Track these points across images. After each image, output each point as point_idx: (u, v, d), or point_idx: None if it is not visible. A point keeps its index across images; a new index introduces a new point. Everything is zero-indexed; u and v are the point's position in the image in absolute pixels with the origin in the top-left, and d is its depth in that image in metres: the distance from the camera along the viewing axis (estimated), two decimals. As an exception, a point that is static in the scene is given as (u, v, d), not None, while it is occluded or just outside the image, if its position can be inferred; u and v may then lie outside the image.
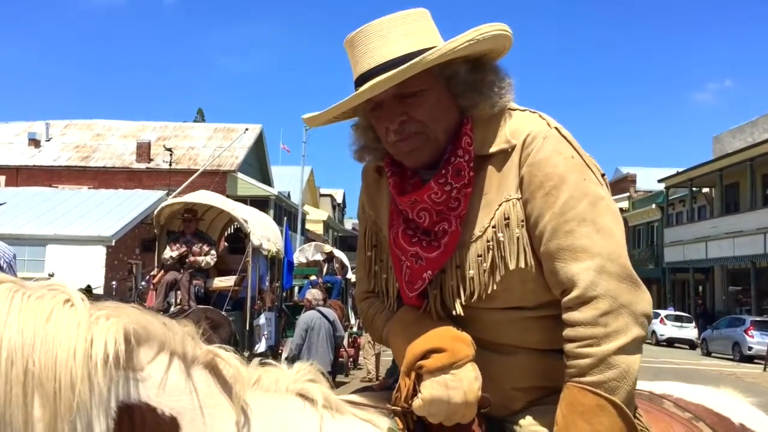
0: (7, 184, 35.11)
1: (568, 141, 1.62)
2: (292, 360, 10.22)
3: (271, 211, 33.22)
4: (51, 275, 7.92)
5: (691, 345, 32.19)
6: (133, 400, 1.26)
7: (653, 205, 44.86)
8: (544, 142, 1.60)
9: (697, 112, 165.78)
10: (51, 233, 22.67)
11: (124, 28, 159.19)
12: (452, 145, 1.65)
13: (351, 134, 1.83)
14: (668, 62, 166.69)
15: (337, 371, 12.21)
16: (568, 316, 1.54)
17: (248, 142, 40.04)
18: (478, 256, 1.62)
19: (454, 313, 1.64)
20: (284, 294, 14.42)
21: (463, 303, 1.63)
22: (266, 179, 43.92)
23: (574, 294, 1.52)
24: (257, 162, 44.12)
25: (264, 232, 11.35)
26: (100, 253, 23.27)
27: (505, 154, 1.63)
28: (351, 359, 16.61)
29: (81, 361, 1.18)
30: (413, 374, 1.58)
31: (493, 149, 1.64)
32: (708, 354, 28.77)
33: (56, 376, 1.16)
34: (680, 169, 40.25)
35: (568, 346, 1.53)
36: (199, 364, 1.40)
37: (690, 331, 32.75)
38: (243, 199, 18.26)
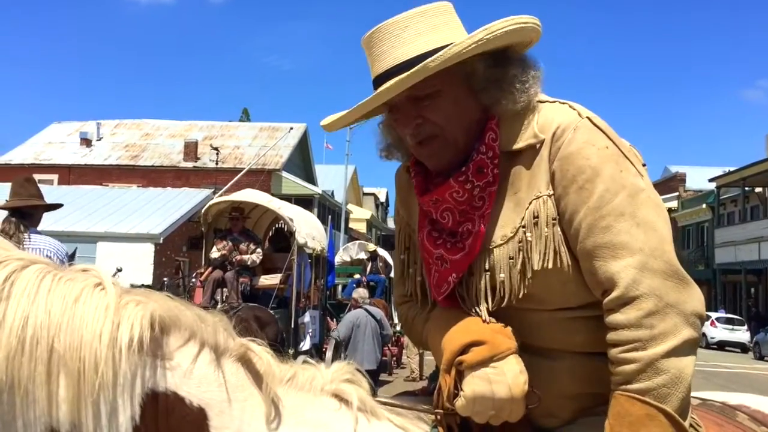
0: (60, 182, 36.03)
1: (601, 130, 1.52)
2: (336, 349, 10.25)
3: (315, 210, 33.43)
4: (119, 270, 8.11)
5: (743, 348, 31.38)
6: (161, 388, 1.25)
7: (703, 205, 43.79)
8: (575, 134, 1.50)
9: (749, 110, 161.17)
10: (102, 230, 23.21)
11: (172, 28, 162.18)
12: (478, 141, 1.58)
13: (378, 132, 1.78)
14: (718, 58, 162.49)
15: (381, 370, 12.20)
16: (610, 318, 1.44)
17: (293, 141, 40.32)
18: (510, 258, 1.53)
19: (483, 316, 1.55)
20: (328, 292, 14.47)
21: (491, 309, 1.55)
22: (310, 178, 44.20)
23: (614, 294, 1.42)
24: (301, 161, 44.43)
25: (309, 230, 11.41)
26: (148, 250, 23.72)
27: (534, 150, 1.54)
28: (395, 358, 16.60)
29: (106, 344, 1.19)
30: (453, 371, 1.50)
31: (520, 145, 1.55)
32: (761, 358, 27.98)
33: (81, 356, 1.18)
34: (732, 168, 39.21)
35: (612, 351, 1.43)
36: (230, 356, 1.37)
37: (742, 335, 31.95)
38: (287, 198, 18.37)
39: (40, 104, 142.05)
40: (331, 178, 47.93)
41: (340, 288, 18.89)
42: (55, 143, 42.49)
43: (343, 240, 29.50)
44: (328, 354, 11.66)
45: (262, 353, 1.42)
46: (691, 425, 1.44)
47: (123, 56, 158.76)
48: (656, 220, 1.47)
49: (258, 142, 41.23)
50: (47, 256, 5.37)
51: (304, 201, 29.93)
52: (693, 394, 1.97)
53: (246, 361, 1.39)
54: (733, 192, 40.21)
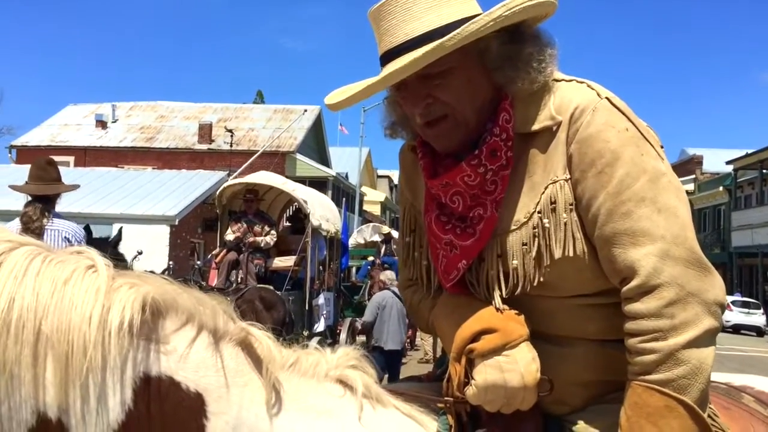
0: (76, 164, 36.19)
1: (621, 111, 1.45)
2: (360, 337, 10.28)
3: (329, 192, 33.39)
4: (140, 253, 8.15)
5: (758, 332, 31.15)
6: (155, 372, 1.22)
7: (720, 188, 43.36)
8: (593, 115, 1.43)
9: (766, 92, 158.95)
10: (117, 212, 23.28)
11: (187, 9, 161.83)
12: (491, 122, 1.51)
13: (382, 109, 1.69)
14: (736, 39, 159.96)
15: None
16: (629, 307, 1.39)
17: (307, 123, 40.21)
18: (523, 244, 1.48)
19: (497, 304, 1.50)
20: (342, 274, 14.51)
21: (504, 296, 1.50)
22: (324, 160, 44.12)
23: (634, 283, 1.38)
24: (315, 143, 44.32)
25: (323, 212, 11.41)
26: (164, 232, 23.79)
27: (550, 132, 1.48)
28: (409, 340, 16.65)
29: (95, 327, 1.16)
30: (464, 359, 1.46)
31: (536, 126, 1.49)
32: (776, 341, 27.81)
33: (69, 339, 1.15)
34: (750, 151, 38.74)
35: (631, 341, 1.39)
36: (230, 340, 1.34)
37: (758, 318, 31.72)
38: (301, 180, 18.36)
39: (56, 86, 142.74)
40: (345, 160, 47.85)
41: (354, 270, 18.92)
42: (71, 125, 42.65)
43: (357, 222, 29.50)
44: (343, 336, 11.72)
45: (262, 338, 1.38)
46: (709, 415, 1.41)
47: (138, 38, 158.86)
48: (678, 205, 1.42)
49: (272, 124, 41.16)
50: (65, 238, 5.43)
51: (318, 183, 29.91)
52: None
53: (246, 346, 1.36)
54: (751, 175, 39.77)
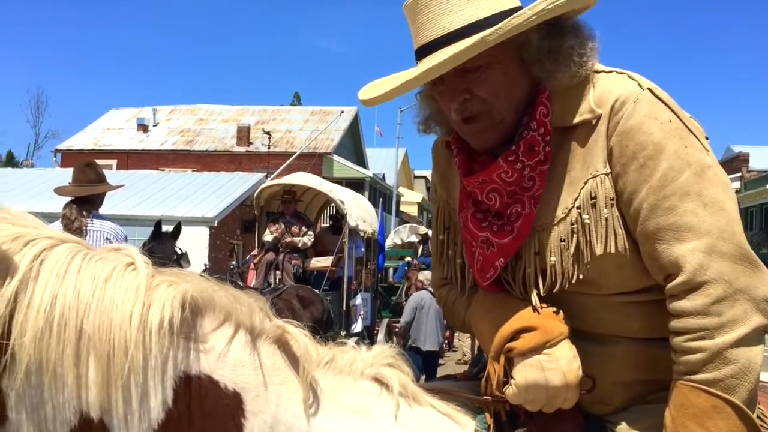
0: (118, 167, 36.90)
1: (664, 102, 1.41)
2: (398, 338, 10.35)
3: (366, 193, 33.47)
4: (184, 253, 8.29)
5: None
6: (194, 371, 1.22)
7: (767, 186, 42.34)
8: (635, 107, 1.40)
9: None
10: (159, 214, 23.57)
11: (224, 13, 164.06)
12: (527, 116, 1.47)
13: (416, 103, 1.67)
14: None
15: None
16: (674, 305, 1.36)
17: (343, 124, 40.39)
18: (561, 240, 1.45)
19: (534, 302, 1.47)
20: (379, 275, 14.53)
21: (542, 294, 1.47)
22: (361, 161, 44.27)
23: (680, 279, 1.34)
24: (352, 144, 44.51)
25: (360, 213, 11.44)
26: (203, 233, 24.15)
27: (590, 125, 1.44)
28: (446, 341, 16.59)
29: (136, 326, 1.16)
30: (503, 358, 1.44)
31: (575, 120, 1.45)
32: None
33: (110, 338, 1.14)
34: (798, 147, 37.71)
35: (676, 340, 1.35)
36: (266, 338, 1.34)
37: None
38: (338, 181, 18.41)
39: (98, 91, 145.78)
40: (382, 161, 47.90)
41: (391, 271, 18.92)
42: (113, 129, 43.54)
43: (393, 223, 29.52)
44: (380, 336, 11.73)
45: (299, 335, 1.38)
46: (758, 416, 1.37)
47: (177, 42, 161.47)
48: (724, 199, 1.37)
49: (309, 126, 41.44)
50: (106, 239, 5.53)
51: (355, 184, 29.99)
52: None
53: (282, 344, 1.35)
54: (799, 172, 38.73)
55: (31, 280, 1.14)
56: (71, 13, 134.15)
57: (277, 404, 1.28)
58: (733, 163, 48.59)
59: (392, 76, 1.54)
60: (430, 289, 10.21)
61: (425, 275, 11.14)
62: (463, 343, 15.24)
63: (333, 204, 11.40)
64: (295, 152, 25.38)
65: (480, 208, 1.54)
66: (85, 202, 5.59)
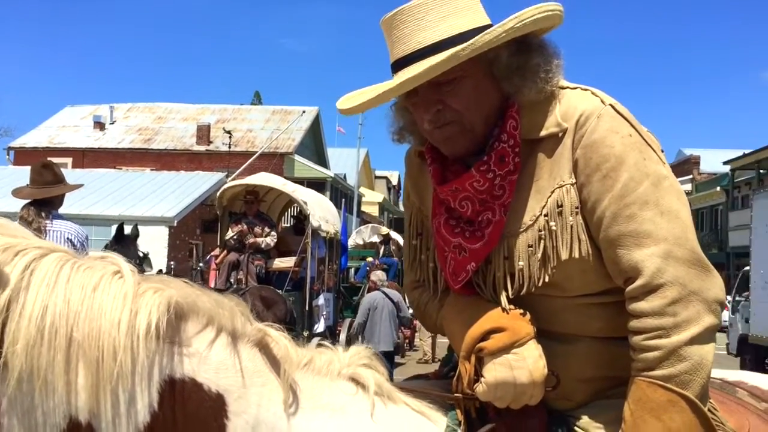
0: (74, 166, 36.16)
1: (624, 118, 1.51)
2: (352, 339, 10.45)
3: (328, 193, 33.40)
4: (146, 254, 8.22)
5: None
6: (178, 374, 1.26)
7: (718, 188, 43.44)
8: (598, 122, 1.49)
9: (765, 92, 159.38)
10: (116, 214, 23.27)
11: (183, 9, 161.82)
12: (498, 128, 1.55)
13: (390, 115, 1.74)
14: (734, 39, 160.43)
15: (396, 352, 12.31)
16: (633, 306, 1.45)
17: (305, 124, 40.24)
18: (529, 246, 1.53)
19: (504, 304, 1.54)
20: (341, 275, 14.55)
21: (510, 296, 1.55)
22: (322, 161, 44.17)
23: (639, 282, 1.43)
24: (314, 144, 44.38)
25: (323, 213, 11.45)
26: (162, 233, 23.85)
27: (556, 138, 1.53)
28: (407, 340, 16.69)
29: (124, 332, 1.20)
30: (473, 358, 1.51)
31: (543, 133, 1.54)
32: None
33: (99, 345, 1.18)
34: (747, 151, 38.83)
35: (635, 339, 1.44)
36: (248, 342, 1.38)
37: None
38: (300, 181, 18.37)
39: (53, 87, 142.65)
40: (344, 162, 47.88)
41: (352, 271, 18.96)
42: (68, 127, 42.64)
43: (355, 223, 29.54)
44: (342, 336, 11.75)
45: (279, 338, 1.43)
46: (709, 409, 1.46)
47: (134, 38, 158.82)
48: (679, 208, 1.47)
49: (270, 125, 41.21)
50: (68, 239, 5.46)
51: (316, 184, 29.93)
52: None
53: (263, 346, 1.40)
54: (748, 175, 39.80)
55: (22, 290, 1.17)
56: (23, 7, 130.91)
57: (259, 405, 1.33)
58: (685, 166, 49.79)
59: (369, 88, 1.62)
60: (383, 289, 10.30)
61: (377, 275, 11.21)
62: (425, 342, 15.38)
63: (295, 204, 11.40)
64: (256, 152, 25.27)
65: (453, 215, 1.62)
66: (43, 203, 5.51)
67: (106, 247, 7.10)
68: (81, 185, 6.26)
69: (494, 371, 1.47)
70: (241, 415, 1.30)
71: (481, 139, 1.57)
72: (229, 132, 36.38)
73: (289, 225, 13.14)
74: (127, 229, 7.65)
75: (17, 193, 5.74)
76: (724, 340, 17.53)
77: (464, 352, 1.53)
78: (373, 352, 1.56)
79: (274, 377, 1.37)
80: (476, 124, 1.55)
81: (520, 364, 1.46)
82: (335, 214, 12.66)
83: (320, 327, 10.87)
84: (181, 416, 1.25)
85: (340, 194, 35.07)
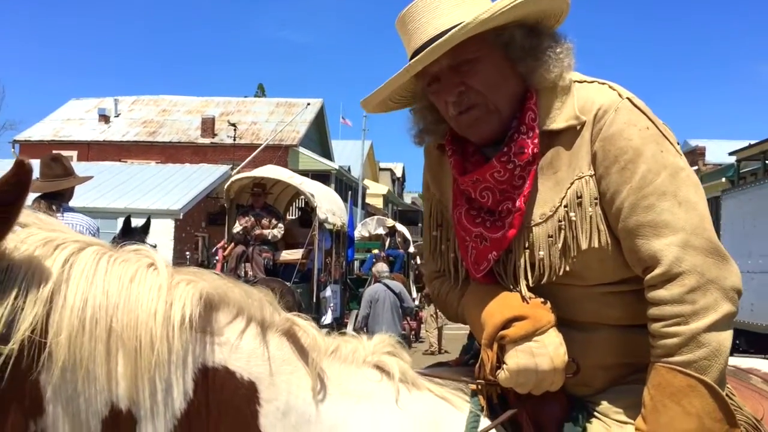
0: (79, 159, 36.16)
1: (641, 111, 1.55)
2: (357, 331, 10.46)
3: (332, 185, 33.41)
4: (154, 246, 8.30)
5: None
6: (212, 363, 1.30)
7: (723, 179, 43.35)
8: (616, 115, 1.53)
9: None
10: (122, 206, 23.38)
11: (187, 2, 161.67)
12: (517, 120, 1.60)
13: (409, 118, 1.79)
14: (740, 30, 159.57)
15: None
16: (652, 294, 1.49)
17: (309, 116, 40.25)
18: (549, 236, 1.57)
19: (524, 293, 1.59)
20: (347, 267, 14.61)
21: (530, 285, 1.59)
22: (327, 153, 44.19)
23: (658, 271, 1.47)
24: (318, 136, 44.39)
25: (329, 206, 11.51)
26: (168, 226, 23.94)
27: (574, 131, 1.56)
28: (413, 332, 16.75)
29: (160, 322, 1.24)
30: (496, 345, 1.55)
31: (561, 125, 1.57)
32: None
33: (137, 335, 1.22)
34: (753, 141, 38.71)
35: (654, 326, 1.48)
36: (277, 331, 1.42)
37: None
38: (304, 173, 18.38)
39: (58, 81, 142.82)
40: (348, 154, 47.89)
41: (358, 263, 19.03)
42: (73, 120, 42.73)
43: (360, 215, 29.58)
44: (349, 327, 11.82)
45: (307, 327, 1.48)
46: (727, 394, 1.50)
47: (138, 32, 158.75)
48: (697, 199, 1.52)
49: (275, 117, 41.22)
50: (79, 231, 5.51)
51: (321, 176, 29.95)
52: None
53: (291, 336, 1.44)
54: (753, 165, 39.60)
55: (63, 283, 1.21)
56: (27, 1, 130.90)
57: (289, 392, 1.37)
58: (690, 157, 49.52)
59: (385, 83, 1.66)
60: (385, 281, 10.33)
61: (378, 268, 11.21)
62: (430, 334, 15.43)
63: (302, 197, 11.45)
64: (261, 144, 25.29)
65: (473, 206, 1.66)
66: (54, 196, 5.57)
67: (114, 240, 7.15)
68: (91, 177, 6.32)
69: (516, 358, 1.51)
70: (272, 402, 1.34)
71: (507, 122, 1.61)
72: (233, 124, 36.46)
73: (295, 217, 13.18)
74: (140, 222, 7.68)
75: None
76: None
77: (486, 340, 1.57)
78: (397, 340, 1.60)
79: (302, 365, 1.41)
80: (500, 104, 1.59)
81: (541, 351, 1.50)
82: (342, 207, 12.72)
83: (328, 318, 10.94)
84: (216, 403, 1.29)
85: (345, 186, 35.14)
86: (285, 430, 1.35)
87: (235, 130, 36.10)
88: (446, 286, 1.83)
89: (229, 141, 36.73)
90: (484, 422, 1.53)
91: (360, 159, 36.11)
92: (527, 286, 1.60)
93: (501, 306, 1.58)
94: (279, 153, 32.72)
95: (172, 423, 1.25)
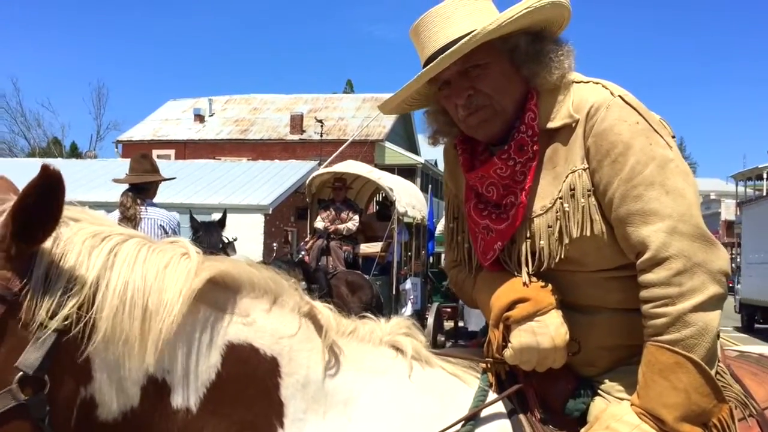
0: (176, 157, 37.90)
1: (632, 107, 1.64)
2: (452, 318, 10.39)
3: (418, 180, 33.66)
4: (234, 239, 8.75)
5: None
6: (237, 340, 1.47)
7: None
8: (607, 112, 1.62)
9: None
10: (216, 202, 24.31)
11: (276, 3, 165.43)
12: (518, 120, 1.71)
13: (424, 120, 1.93)
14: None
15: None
16: (642, 278, 1.58)
17: (395, 111, 40.39)
18: (548, 227, 1.68)
19: (525, 278, 1.70)
20: (430, 260, 14.70)
21: (532, 271, 1.70)
22: (413, 147, 44.38)
23: (646, 256, 1.56)
24: (404, 131, 44.63)
25: (409, 200, 11.64)
26: (258, 221, 24.76)
27: (570, 128, 1.67)
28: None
29: (186, 303, 1.41)
30: (501, 326, 1.67)
31: (557, 124, 1.68)
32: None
33: (167, 313, 1.39)
34: None
35: (645, 307, 1.57)
36: (298, 312, 1.57)
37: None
38: (390, 168, 18.63)
39: (157, 82, 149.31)
40: (435, 148, 47.75)
41: (442, 257, 19.08)
42: (171, 120, 44.73)
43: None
44: (430, 320, 11.94)
45: (324, 310, 1.64)
46: (717, 372, 1.58)
47: (229, 31, 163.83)
48: (684, 187, 1.60)
49: (361, 113, 41.74)
50: (160, 225, 5.96)
51: (407, 171, 30.19)
52: (732, 347, 2.06)
53: (311, 317, 1.60)
54: None
55: (108, 269, 1.41)
56: (127, 8, 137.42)
57: (308, 366, 1.54)
58: None
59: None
60: None
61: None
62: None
63: (382, 191, 11.63)
64: (348, 140, 25.68)
65: (481, 200, 1.80)
66: (140, 190, 6.03)
67: (194, 230, 7.60)
68: (174, 177, 6.81)
69: (519, 337, 1.64)
70: (293, 375, 1.52)
71: (511, 121, 1.73)
72: (320, 121, 37.13)
73: (374, 211, 13.40)
74: (218, 216, 8.08)
75: (117, 180, 6.37)
76: (731, 301, 22.54)
77: (493, 321, 1.71)
78: (413, 323, 1.74)
79: (321, 343, 1.57)
80: (506, 106, 1.71)
81: (542, 331, 1.62)
82: (422, 201, 12.83)
83: (407, 311, 11.07)
84: (242, 375, 1.48)
85: (431, 180, 35.18)
86: (304, 400, 1.51)
87: (322, 126, 36.79)
88: (462, 274, 1.98)
89: (317, 137, 37.46)
90: (492, 396, 1.66)
91: (446, 152, 35.92)
92: (530, 272, 1.71)
93: (506, 290, 1.70)
94: (365, 148, 33.10)
95: (201, 391, 1.44)
